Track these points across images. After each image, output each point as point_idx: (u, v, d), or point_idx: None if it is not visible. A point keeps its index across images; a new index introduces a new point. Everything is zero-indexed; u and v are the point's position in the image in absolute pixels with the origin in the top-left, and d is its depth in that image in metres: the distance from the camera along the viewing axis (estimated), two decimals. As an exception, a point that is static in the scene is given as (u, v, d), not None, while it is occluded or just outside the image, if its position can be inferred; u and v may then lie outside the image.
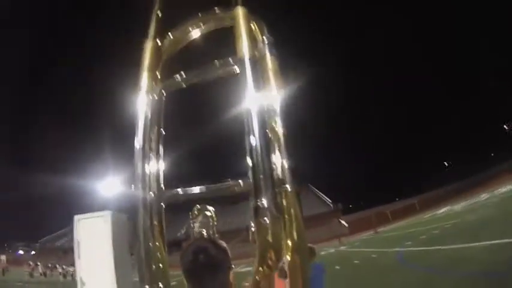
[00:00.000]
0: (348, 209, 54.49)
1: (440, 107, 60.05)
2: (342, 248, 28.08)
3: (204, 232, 2.19)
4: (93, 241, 8.83)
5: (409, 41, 62.41)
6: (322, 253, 24.88)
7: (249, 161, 0.78)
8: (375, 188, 55.79)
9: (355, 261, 16.24)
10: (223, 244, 1.43)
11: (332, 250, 26.37)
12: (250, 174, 0.78)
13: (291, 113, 0.98)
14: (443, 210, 34.09)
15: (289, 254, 0.82)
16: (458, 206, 31.86)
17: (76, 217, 9.26)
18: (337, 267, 14.56)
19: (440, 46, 60.98)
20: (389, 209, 44.29)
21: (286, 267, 0.86)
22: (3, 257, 34.68)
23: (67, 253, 60.51)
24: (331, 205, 53.84)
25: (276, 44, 1.02)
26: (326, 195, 56.21)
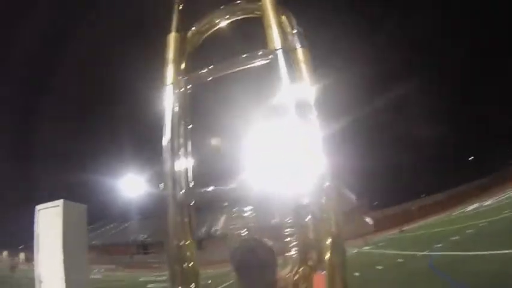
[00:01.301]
0: (373, 205, 53.82)
1: (464, 100, 58.87)
2: (366, 248, 27.47)
3: (245, 233, 2.29)
4: (49, 233, 8.23)
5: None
6: (344, 254, 24.44)
7: (293, 162, 0.75)
8: (400, 184, 54.90)
9: (378, 267, 14.78)
10: (269, 243, 1.52)
11: (355, 251, 25.76)
12: (294, 174, 0.75)
13: (324, 106, 0.96)
14: (472, 207, 33.11)
15: (329, 253, 0.79)
16: (488, 202, 30.93)
17: (37, 207, 8.63)
18: (357, 273, 12.29)
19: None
20: (415, 206, 43.59)
21: (324, 266, 0.84)
22: (22, 255, 35.73)
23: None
24: (356, 201, 53.44)
25: (306, 35, 0.99)
26: (350, 191, 55.81)
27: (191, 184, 0.91)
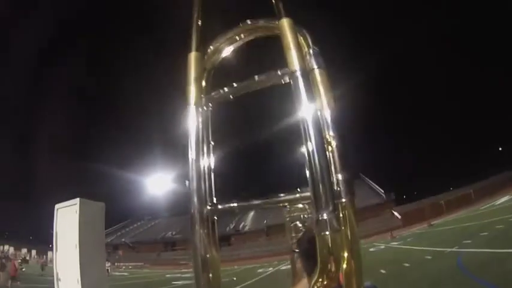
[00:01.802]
0: (401, 199, 53.12)
1: (491, 92, 57.49)
2: (394, 244, 27.21)
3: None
4: (66, 232, 8.33)
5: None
6: (372, 249, 24.10)
7: (308, 175, 0.78)
8: (428, 177, 54.08)
9: (405, 264, 14.50)
10: None
11: (382, 246, 25.57)
12: (310, 187, 0.78)
13: (343, 122, 0.97)
14: (502, 200, 32.29)
15: (346, 263, 0.82)
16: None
17: (56, 206, 8.77)
18: (383, 271, 12.44)
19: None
20: (443, 199, 42.81)
21: (341, 276, 0.86)
22: (50, 254, 36.65)
23: (117, 249, 63.15)
24: (384, 195, 52.87)
25: (322, 55, 1.01)
26: (378, 185, 55.25)
27: (215, 200, 0.95)
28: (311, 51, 0.96)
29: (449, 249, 15.50)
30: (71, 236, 8.08)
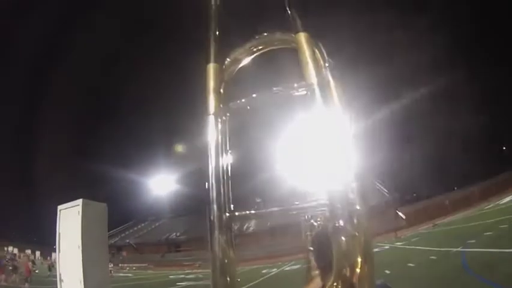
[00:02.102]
0: (406, 199, 52.94)
1: (496, 89, 57.23)
2: (398, 244, 27.24)
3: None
4: (69, 233, 8.41)
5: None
6: (376, 250, 24.09)
7: (326, 183, 0.81)
8: (432, 177, 53.85)
9: (410, 264, 14.74)
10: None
11: (387, 247, 25.54)
12: (327, 195, 0.81)
13: (356, 131, 1.01)
14: (506, 199, 32.21)
15: (359, 268, 0.85)
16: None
17: (59, 207, 8.81)
18: (387, 271, 12.13)
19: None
20: (448, 199, 42.69)
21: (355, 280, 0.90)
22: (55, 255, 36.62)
23: (121, 250, 63.27)
24: (388, 195, 52.71)
25: (337, 68, 1.05)
26: (382, 185, 55.08)
27: (232, 207, 0.98)
28: (327, 64, 1.00)
29: (454, 249, 15.52)
30: (73, 237, 8.17)
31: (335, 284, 0.81)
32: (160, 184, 72.52)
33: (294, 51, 0.96)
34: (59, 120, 74.96)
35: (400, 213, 46.08)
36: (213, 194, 0.92)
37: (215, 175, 0.93)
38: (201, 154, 0.97)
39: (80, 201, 8.40)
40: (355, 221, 0.85)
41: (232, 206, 0.96)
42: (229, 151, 1.00)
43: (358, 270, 0.84)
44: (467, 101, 56.16)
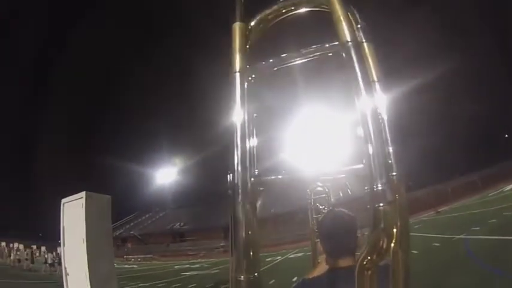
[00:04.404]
0: (408, 187, 52.72)
1: (498, 75, 56.93)
2: (401, 231, 27.32)
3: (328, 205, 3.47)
4: (73, 226, 8.38)
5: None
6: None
7: (365, 148, 0.76)
8: (434, 164, 53.72)
9: (413, 251, 14.15)
10: (351, 213, 1.91)
11: (389, 233, 25.66)
12: (367, 160, 0.76)
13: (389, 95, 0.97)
14: (510, 187, 32.10)
15: (395, 241, 0.79)
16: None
17: (62, 200, 8.81)
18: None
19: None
20: (450, 186, 42.60)
21: (390, 254, 0.84)
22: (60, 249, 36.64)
23: (126, 241, 63.58)
24: (390, 183, 52.67)
25: (370, 29, 1.00)
26: (385, 173, 54.98)
27: (257, 172, 0.92)
28: (359, 25, 0.95)
29: (457, 236, 15.64)
30: (78, 230, 8.14)
31: (369, 257, 0.76)
32: (164, 174, 72.43)
33: (323, 16, 0.92)
34: (62, 112, 74.89)
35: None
36: (238, 153, 0.87)
37: (241, 134, 0.88)
38: (225, 115, 0.93)
39: (83, 194, 8.34)
40: (392, 186, 0.81)
41: (257, 171, 0.92)
42: (255, 114, 0.95)
43: (393, 241, 0.80)
44: (470, 88, 55.96)
